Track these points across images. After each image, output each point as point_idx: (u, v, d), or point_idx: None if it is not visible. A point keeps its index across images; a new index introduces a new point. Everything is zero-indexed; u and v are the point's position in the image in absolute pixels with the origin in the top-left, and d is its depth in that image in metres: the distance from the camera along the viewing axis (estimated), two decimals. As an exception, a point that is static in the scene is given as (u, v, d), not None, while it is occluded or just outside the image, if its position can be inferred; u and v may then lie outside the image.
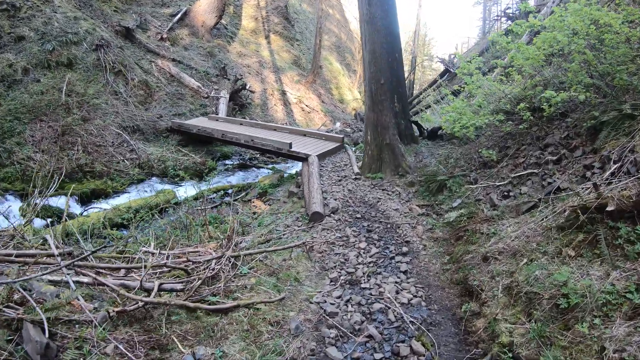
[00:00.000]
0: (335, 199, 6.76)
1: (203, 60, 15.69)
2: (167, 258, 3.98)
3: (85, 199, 8.59)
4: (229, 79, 15.08)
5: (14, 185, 8.72)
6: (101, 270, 3.47)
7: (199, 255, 4.18)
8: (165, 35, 14.99)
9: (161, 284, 3.30)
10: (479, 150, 6.87)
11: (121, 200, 8.45)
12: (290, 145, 9.18)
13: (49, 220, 7.78)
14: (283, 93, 18.72)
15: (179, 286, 3.36)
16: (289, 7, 24.12)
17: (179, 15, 16.20)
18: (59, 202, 8.28)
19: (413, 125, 9.32)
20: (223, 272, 3.82)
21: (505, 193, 5.42)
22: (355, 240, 5.38)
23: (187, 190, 8.59)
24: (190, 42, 16.04)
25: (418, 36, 31.60)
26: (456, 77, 15.43)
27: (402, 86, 8.73)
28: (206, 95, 13.85)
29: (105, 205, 8.26)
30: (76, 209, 8.25)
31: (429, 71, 46.12)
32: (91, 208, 7.99)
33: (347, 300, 3.99)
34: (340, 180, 7.76)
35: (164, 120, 11.96)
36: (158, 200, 7.93)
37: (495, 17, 34.74)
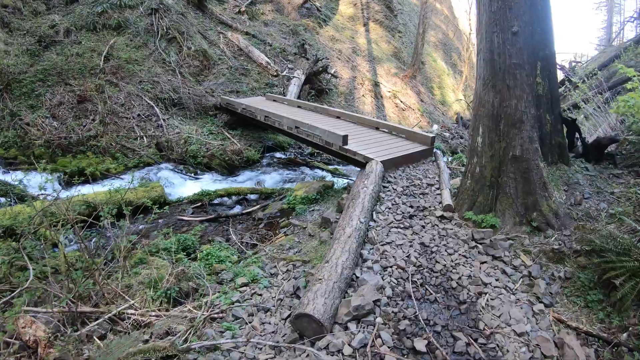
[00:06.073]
0: (385, 270, 2.73)
1: (283, 38, 12.46)
2: None
3: (71, 179, 5.92)
4: (308, 59, 11.58)
5: (9, 153, 6.49)
6: None
7: None
8: (243, 9, 12.09)
9: None
10: None
11: (106, 187, 5.54)
12: (344, 139, 5.27)
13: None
14: (376, 84, 14.57)
15: None
16: (393, -5, 19.70)
17: (264, -11, 13.23)
18: (36, 179, 5.71)
19: (563, 126, 4.63)
20: None
21: None
22: None
23: (188, 187, 5.38)
24: (273, 19, 12.93)
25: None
26: (577, 89, 9.37)
27: (549, 46, 4.11)
28: (275, 74, 10.58)
29: (84, 190, 5.44)
30: (50, 190, 5.58)
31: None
32: (49, 195, 5.23)
33: None
34: (411, 217, 3.64)
35: (216, 96, 8.98)
36: (134, 197, 4.79)
37: (627, 20, 25.03)
